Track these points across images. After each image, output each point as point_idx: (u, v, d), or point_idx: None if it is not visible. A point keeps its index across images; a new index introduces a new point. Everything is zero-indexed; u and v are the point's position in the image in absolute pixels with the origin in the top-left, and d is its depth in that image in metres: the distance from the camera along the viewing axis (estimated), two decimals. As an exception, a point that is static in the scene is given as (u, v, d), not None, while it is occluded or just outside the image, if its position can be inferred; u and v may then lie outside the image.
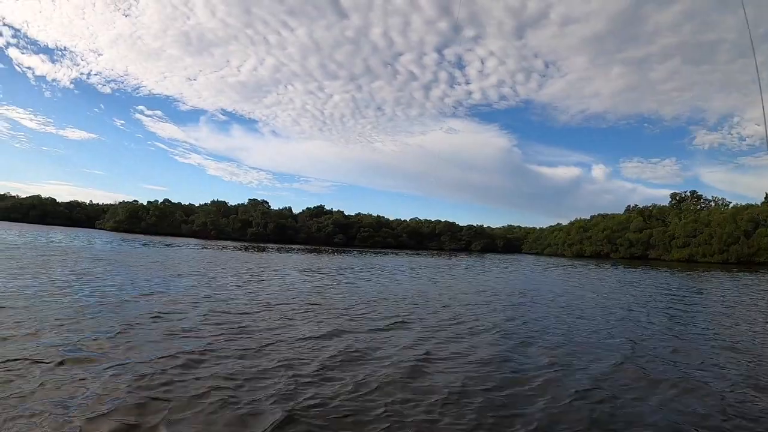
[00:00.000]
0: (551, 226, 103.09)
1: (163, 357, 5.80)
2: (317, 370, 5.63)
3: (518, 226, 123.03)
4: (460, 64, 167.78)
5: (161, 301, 10.30)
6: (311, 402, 4.63)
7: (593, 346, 7.75)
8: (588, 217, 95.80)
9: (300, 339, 7.25)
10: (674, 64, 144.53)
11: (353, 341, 7.23)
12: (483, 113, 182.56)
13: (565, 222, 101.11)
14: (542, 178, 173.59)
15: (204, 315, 8.71)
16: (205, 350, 6.25)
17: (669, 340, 8.51)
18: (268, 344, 6.79)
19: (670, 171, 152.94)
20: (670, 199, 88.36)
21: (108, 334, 6.75)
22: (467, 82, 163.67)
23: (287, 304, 10.95)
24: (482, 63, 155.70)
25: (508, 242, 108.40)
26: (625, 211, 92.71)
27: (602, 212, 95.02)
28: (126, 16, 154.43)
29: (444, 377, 5.60)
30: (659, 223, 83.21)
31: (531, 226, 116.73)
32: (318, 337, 7.41)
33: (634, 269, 40.69)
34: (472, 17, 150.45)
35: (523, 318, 10.38)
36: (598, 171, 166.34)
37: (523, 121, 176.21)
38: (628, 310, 12.60)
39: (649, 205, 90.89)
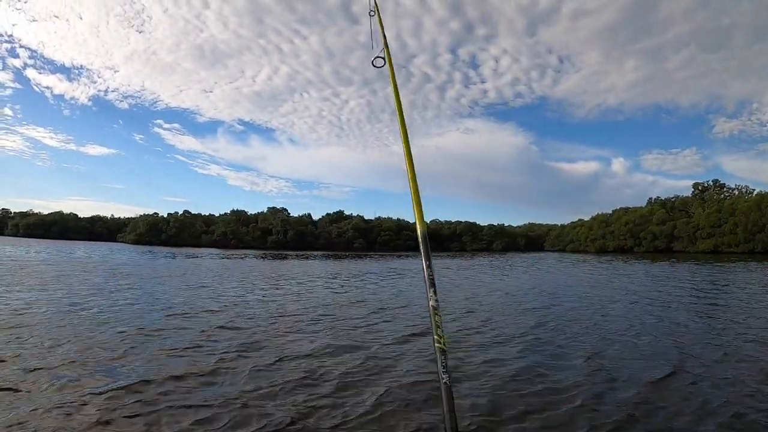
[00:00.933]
0: (572, 222, 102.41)
1: (175, 371, 5.58)
2: (335, 385, 5.33)
3: (539, 224, 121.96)
4: (474, 64, 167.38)
5: (177, 312, 10.07)
6: (330, 420, 4.33)
7: (635, 354, 7.12)
8: (610, 212, 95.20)
9: (318, 350, 6.97)
10: (689, 51, 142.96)
11: (371, 354, 6.77)
12: (499, 112, 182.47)
13: (586, 218, 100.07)
14: (561, 174, 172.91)
15: (217, 326, 8.41)
16: (218, 364, 6.03)
17: (715, 342, 7.87)
18: (285, 357, 6.45)
19: (690, 161, 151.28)
20: (692, 190, 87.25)
21: (122, 348, 6.63)
22: (482, 81, 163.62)
23: (303, 314, 10.63)
24: (496, 62, 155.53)
25: (529, 240, 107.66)
26: (647, 203, 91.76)
27: (624, 206, 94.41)
28: (140, 32, 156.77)
29: (472, 395, 5.03)
30: (682, 214, 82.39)
31: (552, 223, 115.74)
32: (337, 349, 7.11)
33: (660, 263, 39.77)
34: (484, 16, 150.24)
35: (555, 322, 9.75)
36: (618, 165, 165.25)
37: (540, 118, 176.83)
38: (664, 308, 11.95)
39: (672, 196, 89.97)
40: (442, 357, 1.75)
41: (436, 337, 1.79)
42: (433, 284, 1.95)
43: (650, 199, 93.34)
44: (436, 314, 1.86)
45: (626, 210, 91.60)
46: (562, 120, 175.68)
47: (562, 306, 12.57)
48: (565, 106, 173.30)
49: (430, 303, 1.90)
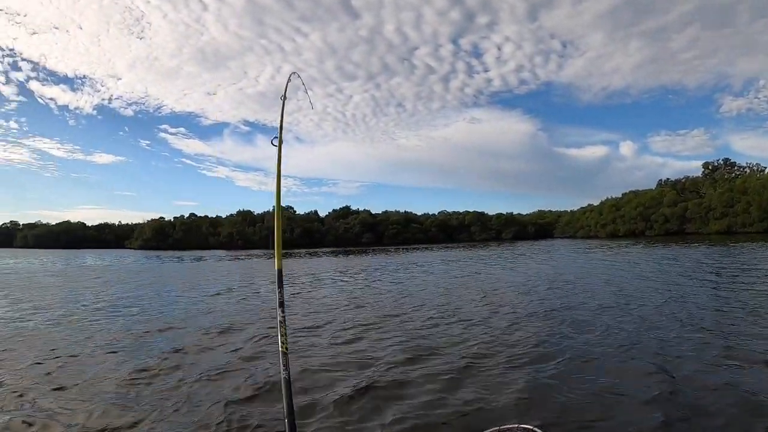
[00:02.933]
0: (582, 207, 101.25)
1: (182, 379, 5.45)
2: (358, 388, 5.07)
3: (549, 211, 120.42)
4: (476, 53, 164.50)
5: (176, 322, 9.53)
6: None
7: (669, 349, 6.32)
8: (620, 196, 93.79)
9: (331, 351, 6.82)
10: (693, 30, 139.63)
11: (384, 369, 6.01)
12: (505, 100, 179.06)
13: (596, 203, 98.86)
14: (570, 159, 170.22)
15: (209, 331, 7.90)
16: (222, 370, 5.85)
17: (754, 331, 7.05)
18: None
19: (699, 141, 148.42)
20: (702, 170, 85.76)
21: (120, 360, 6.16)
22: (486, 70, 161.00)
23: (313, 313, 10.38)
24: (499, 49, 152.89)
25: (539, 228, 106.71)
26: (657, 186, 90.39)
27: (633, 189, 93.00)
28: (140, 38, 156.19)
29: (495, 410, 4.35)
30: (694, 195, 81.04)
31: (562, 210, 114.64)
32: (355, 350, 6.91)
33: (672, 246, 38.86)
34: (484, 4, 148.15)
35: (576, 318, 8.83)
36: (626, 148, 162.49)
37: (546, 103, 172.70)
38: (687, 294, 11.03)
39: (682, 177, 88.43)
40: (284, 358, 2.23)
41: (281, 342, 2.28)
42: (282, 305, 2.44)
43: (660, 181, 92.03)
44: (282, 326, 2.34)
45: (636, 193, 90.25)
46: (568, 105, 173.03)
47: (579, 296, 11.78)
48: (571, 91, 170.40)
49: (278, 318, 2.38)
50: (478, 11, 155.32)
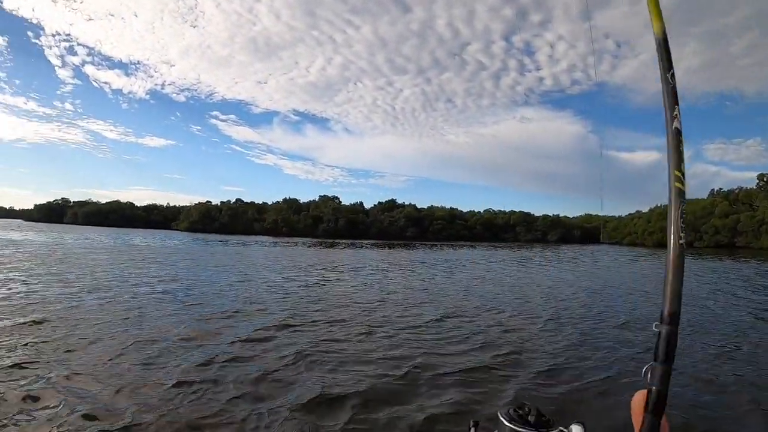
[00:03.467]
0: (630, 214, 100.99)
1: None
2: (399, 385, 5.56)
3: (596, 215, 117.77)
4: (529, 51, 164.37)
5: (232, 301, 11.27)
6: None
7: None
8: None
9: (377, 350, 7.23)
10: (753, 36, 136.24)
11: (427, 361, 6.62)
12: (555, 99, 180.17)
13: (645, 209, 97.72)
14: (620, 163, 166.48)
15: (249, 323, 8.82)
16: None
17: None
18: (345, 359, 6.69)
19: (755, 151, 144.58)
20: (757, 181, 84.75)
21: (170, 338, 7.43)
22: (537, 69, 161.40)
23: (356, 304, 11.31)
24: (551, 48, 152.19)
25: (585, 232, 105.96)
26: (708, 195, 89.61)
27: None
28: (194, 27, 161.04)
29: None
30: (746, 207, 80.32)
31: (610, 215, 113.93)
32: (403, 344, 7.50)
33: (723, 259, 38.53)
34: (538, 2, 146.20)
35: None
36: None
37: (598, 105, 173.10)
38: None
39: (735, 188, 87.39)
40: None
41: None
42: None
43: (712, 190, 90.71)
44: None
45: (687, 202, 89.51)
46: (621, 107, 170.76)
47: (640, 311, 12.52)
48: (624, 93, 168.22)
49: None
50: (531, 9, 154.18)
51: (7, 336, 7.20)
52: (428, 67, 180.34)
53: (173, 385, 5.26)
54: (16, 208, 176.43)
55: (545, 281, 19.32)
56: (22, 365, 5.78)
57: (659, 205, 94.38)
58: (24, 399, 4.72)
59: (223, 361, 6.26)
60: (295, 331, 8.43)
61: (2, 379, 5.29)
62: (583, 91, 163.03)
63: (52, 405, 4.60)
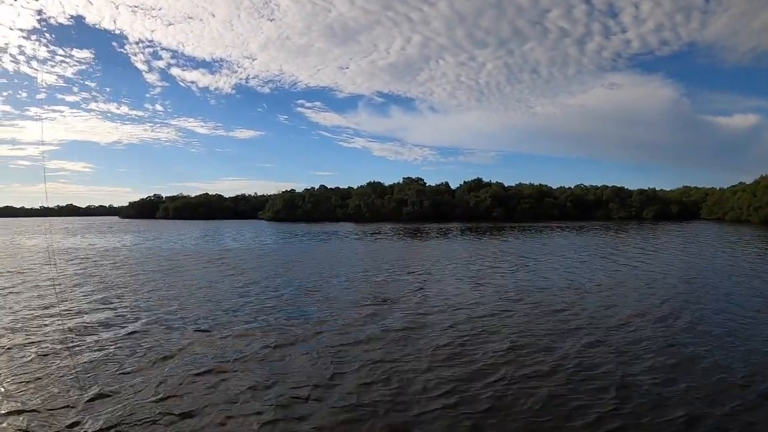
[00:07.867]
0: (733, 186, 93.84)
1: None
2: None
3: (695, 188, 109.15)
4: (612, 12, 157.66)
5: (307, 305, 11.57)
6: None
7: None
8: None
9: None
10: None
11: None
12: (645, 63, 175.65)
13: (749, 180, 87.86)
14: (717, 129, 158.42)
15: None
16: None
17: None
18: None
19: None
20: None
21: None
22: (623, 31, 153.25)
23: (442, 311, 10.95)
24: (636, 8, 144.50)
25: (684, 207, 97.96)
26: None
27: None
28: (271, 20, 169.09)
29: None
30: None
31: (710, 187, 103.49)
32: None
33: None
34: None
35: None
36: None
37: (689, 66, 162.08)
38: None
39: None
40: None
41: None
42: None
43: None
44: None
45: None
46: (714, 67, 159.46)
47: None
48: (716, 51, 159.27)
49: None
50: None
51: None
52: (509, 39, 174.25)
53: None
54: (115, 205, 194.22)
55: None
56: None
57: (765, 174, 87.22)
58: None
59: None
60: None
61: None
62: (673, 52, 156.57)
63: None
